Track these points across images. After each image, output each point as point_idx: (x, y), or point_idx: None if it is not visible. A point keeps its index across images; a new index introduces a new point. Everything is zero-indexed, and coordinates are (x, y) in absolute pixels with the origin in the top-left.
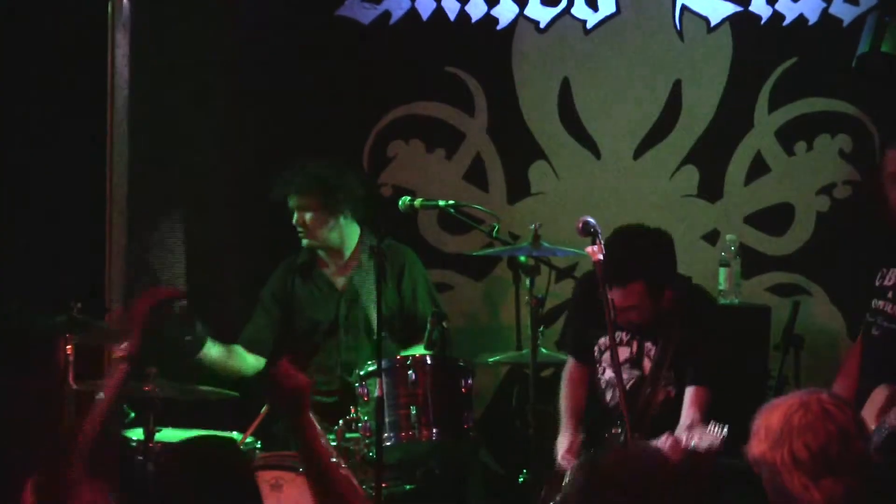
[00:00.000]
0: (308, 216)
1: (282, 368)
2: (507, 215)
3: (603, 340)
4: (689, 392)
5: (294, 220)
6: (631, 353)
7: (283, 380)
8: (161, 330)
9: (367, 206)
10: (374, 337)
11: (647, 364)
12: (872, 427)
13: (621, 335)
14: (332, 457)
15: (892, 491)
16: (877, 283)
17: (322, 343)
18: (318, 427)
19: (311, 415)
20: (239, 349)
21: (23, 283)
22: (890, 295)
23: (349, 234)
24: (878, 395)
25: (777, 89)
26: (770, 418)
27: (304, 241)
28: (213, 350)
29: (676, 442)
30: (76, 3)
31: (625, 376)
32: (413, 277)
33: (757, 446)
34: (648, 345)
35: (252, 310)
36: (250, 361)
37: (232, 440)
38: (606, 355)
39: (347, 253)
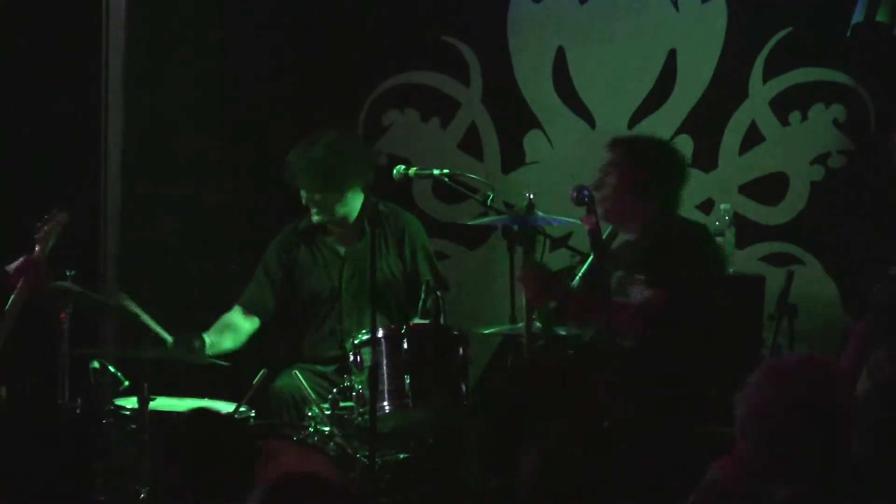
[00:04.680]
0: (318, 197)
1: None
2: (502, 184)
3: None
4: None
5: (303, 199)
6: None
7: None
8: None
9: (372, 174)
10: (372, 302)
11: None
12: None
13: None
14: None
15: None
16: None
17: (325, 309)
18: None
19: None
20: (232, 319)
21: (19, 250)
22: None
23: (354, 202)
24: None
25: (772, 59)
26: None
27: (316, 218)
28: (210, 346)
29: None
30: None
31: None
32: (413, 243)
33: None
34: None
35: (254, 272)
36: (245, 329)
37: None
38: None
39: (351, 220)
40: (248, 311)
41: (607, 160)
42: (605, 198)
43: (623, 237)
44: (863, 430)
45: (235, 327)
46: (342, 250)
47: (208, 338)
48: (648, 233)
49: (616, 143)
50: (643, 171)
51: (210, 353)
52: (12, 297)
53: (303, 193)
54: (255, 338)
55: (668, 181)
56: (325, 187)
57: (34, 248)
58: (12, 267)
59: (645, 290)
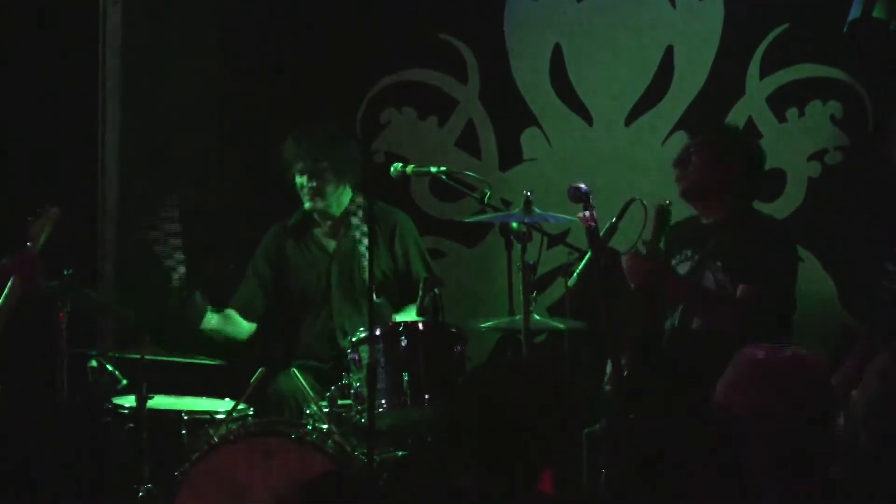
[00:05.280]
0: (316, 179)
1: None
2: (499, 182)
3: None
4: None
5: (298, 183)
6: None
7: None
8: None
9: (361, 171)
10: (369, 299)
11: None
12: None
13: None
14: None
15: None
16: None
17: (317, 307)
18: None
19: None
20: (233, 313)
21: (18, 250)
22: None
23: (343, 195)
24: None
25: (768, 55)
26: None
27: (308, 204)
28: (212, 319)
29: None
30: None
31: None
32: (404, 240)
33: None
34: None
35: (244, 273)
36: (245, 326)
37: None
38: None
39: (337, 213)
40: (240, 314)
41: (694, 141)
42: (687, 175)
43: (687, 214)
44: (871, 433)
45: (235, 320)
46: (331, 246)
47: (210, 313)
48: (736, 224)
49: (706, 127)
50: (732, 155)
51: (205, 328)
52: (4, 293)
53: (297, 178)
54: (251, 337)
55: (751, 169)
56: (323, 159)
57: (26, 246)
58: (3, 263)
59: (726, 279)
